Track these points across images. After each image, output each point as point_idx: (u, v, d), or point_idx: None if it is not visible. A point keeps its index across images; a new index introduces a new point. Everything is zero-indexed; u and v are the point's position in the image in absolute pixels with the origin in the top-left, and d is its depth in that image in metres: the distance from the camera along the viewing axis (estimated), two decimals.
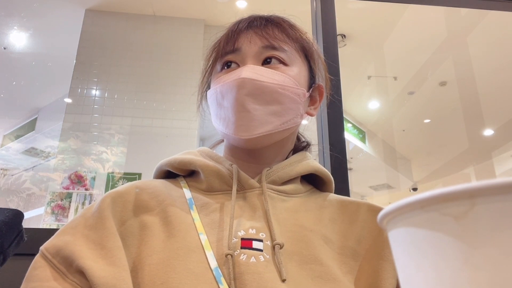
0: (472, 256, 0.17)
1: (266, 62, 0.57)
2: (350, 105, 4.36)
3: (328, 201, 0.59)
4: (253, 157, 0.59)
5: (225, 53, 0.58)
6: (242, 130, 0.53)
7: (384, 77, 3.83)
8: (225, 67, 0.59)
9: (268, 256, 0.47)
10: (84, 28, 2.91)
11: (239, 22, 0.60)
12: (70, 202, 2.55)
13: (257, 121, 0.53)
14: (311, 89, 0.62)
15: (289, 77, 0.56)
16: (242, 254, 0.47)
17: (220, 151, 0.64)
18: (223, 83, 0.55)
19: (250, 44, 0.57)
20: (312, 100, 0.64)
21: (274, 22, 0.60)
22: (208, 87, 0.62)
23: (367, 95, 4.23)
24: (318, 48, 0.65)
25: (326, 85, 0.66)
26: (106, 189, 2.58)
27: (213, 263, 0.46)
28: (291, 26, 0.61)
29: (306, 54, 0.61)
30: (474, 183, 0.17)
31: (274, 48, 0.57)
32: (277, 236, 0.49)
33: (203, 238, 0.48)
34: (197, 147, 0.73)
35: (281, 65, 0.57)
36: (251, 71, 0.54)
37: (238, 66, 0.57)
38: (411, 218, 0.19)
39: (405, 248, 0.20)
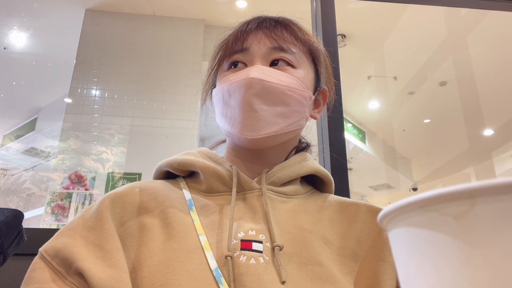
0: (472, 256, 0.17)
1: (273, 63, 0.57)
2: (350, 105, 4.36)
3: (327, 202, 0.59)
4: (255, 157, 0.59)
5: (233, 52, 0.58)
6: (248, 129, 0.53)
7: (384, 77, 3.82)
8: (232, 67, 0.59)
9: (267, 258, 0.47)
10: (84, 28, 2.91)
11: (248, 22, 0.60)
12: (70, 202, 2.55)
13: (264, 121, 0.53)
14: (316, 93, 0.62)
15: (297, 79, 0.56)
16: (242, 256, 0.47)
17: (220, 151, 0.64)
18: (231, 82, 0.55)
19: (259, 45, 0.57)
20: (316, 104, 0.64)
21: (283, 23, 0.60)
22: (214, 86, 0.62)
23: (367, 95, 4.23)
24: (325, 52, 0.65)
25: (330, 89, 0.66)
26: (106, 189, 2.58)
27: (213, 264, 0.45)
28: (300, 28, 0.61)
29: (313, 57, 0.61)
30: (474, 183, 0.17)
31: (282, 49, 0.57)
32: (276, 237, 0.49)
33: (203, 239, 0.48)
34: (197, 147, 0.73)
35: (288, 67, 0.57)
36: (260, 72, 0.54)
37: (246, 66, 0.57)
38: (411, 218, 0.19)
39: (405, 248, 0.20)
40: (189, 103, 2.80)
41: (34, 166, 4.34)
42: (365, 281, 0.49)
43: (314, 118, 0.63)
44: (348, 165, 1.20)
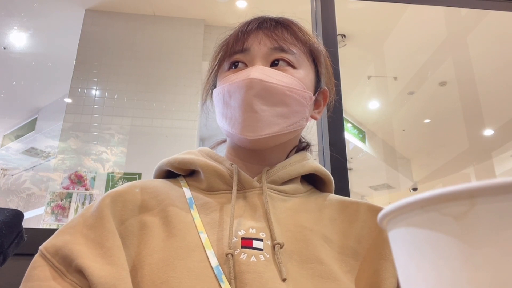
0: (472, 256, 0.17)
1: (274, 64, 0.57)
2: (350, 105, 4.36)
3: (328, 201, 0.59)
4: (256, 157, 0.59)
5: (233, 53, 0.58)
6: (249, 130, 0.53)
7: (384, 77, 3.83)
8: (233, 67, 0.59)
9: (268, 256, 0.47)
10: (84, 28, 2.91)
11: (249, 22, 0.60)
12: (70, 202, 2.55)
13: (264, 122, 0.53)
14: (316, 93, 0.62)
15: (297, 79, 0.56)
16: (243, 253, 0.47)
17: (220, 151, 0.64)
18: (231, 82, 0.55)
19: (260, 45, 0.57)
20: (316, 104, 0.64)
21: (283, 24, 0.60)
22: (214, 86, 0.62)
23: (367, 95, 4.23)
24: (325, 52, 0.65)
25: (330, 90, 0.66)
26: (106, 189, 2.58)
27: (214, 262, 0.46)
28: (300, 29, 0.61)
29: (314, 58, 0.61)
30: (474, 183, 0.17)
31: (283, 50, 0.57)
32: (277, 235, 0.49)
33: (203, 237, 0.48)
34: (197, 147, 0.73)
35: (289, 68, 0.57)
36: (260, 72, 0.54)
37: (246, 66, 0.57)
38: (411, 218, 0.19)
39: (405, 248, 0.20)
40: (189, 103, 2.80)
41: (34, 166, 4.34)
42: (366, 279, 0.49)
43: (314, 118, 0.63)
44: (348, 165, 1.20)
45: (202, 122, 2.83)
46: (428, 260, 0.18)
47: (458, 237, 0.17)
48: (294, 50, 0.58)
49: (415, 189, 6.00)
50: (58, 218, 2.50)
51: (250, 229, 0.50)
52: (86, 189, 2.59)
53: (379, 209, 0.56)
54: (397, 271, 0.22)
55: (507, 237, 0.16)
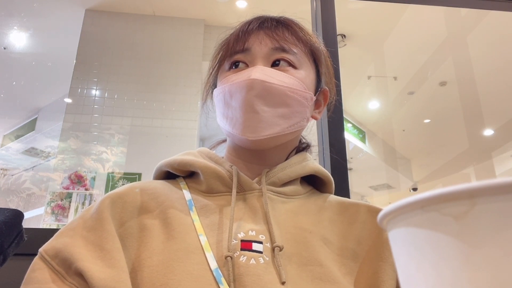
0: (472, 256, 0.17)
1: (275, 64, 0.57)
2: (350, 105, 4.36)
3: (328, 203, 0.59)
4: (256, 158, 0.59)
5: (234, 53, 0.58)
6: (250, 131, 0.53)
7: (384, 77, 3.83)
8: (233, 67, 0.58)
9: (267, 258, 0.47)
10: (84, 28, 2.91)
11: (250, 22, 0.60)
12: (70, 202, 2.55)
13: (265, 122, 0.53)
14: (317, 93, 0.62)
15: (298, 80, 0.56)
16: (242, 256, 0.47)
17: (220, 151, 0.64)
18: (232, 82, 0.55)
19: (260, 45, 0.57)
20: (317, 104, 0.64)
21: (284, 24, 0.60)
22: (214, 86, 0.62)
23: (367, 95, 4.23)
24: (326, 52, 0.64)
25: (331, 90, 0.66)
26: (106, 189, 2.58)
27: (213, 264, 0.45)
28: (301, 28, 0.61)
29: (315, 58, 0.61)
30: (474, 183, 0.17)
31: (284, 50, 0.57)
32: (276, 238, 0.49)
33: (203, 239, 0.48)
34: (197, 147, 0.73)
35: (290, 68, 0.57)
36: (261, 72, 0.54)
37: (247, 66, 0.57)
38: (411, 218, 0.19)
39: (405, 248, 0.20)
40: (189, 103, 2.80)
41: (34, 166, 4.34)
42: (365, 281, 0.49)
43: (315, 118, 0.63)
44: (348, 165, 1.20)
45: (202, 122, 2.83)
46: (428, 260, 0.18)
47: (458, 237, 0.17)
48: (295, 50, 0.57)
49: (415, 189, 6.00)
50: (58, 218, 2.50)
51: (250, 232, 0.50)
52: (86, 189, 2.59)
53: (378, 210, 0.56)
54: (397, 271, 0.22)
55: (507, 237, 0.16)
